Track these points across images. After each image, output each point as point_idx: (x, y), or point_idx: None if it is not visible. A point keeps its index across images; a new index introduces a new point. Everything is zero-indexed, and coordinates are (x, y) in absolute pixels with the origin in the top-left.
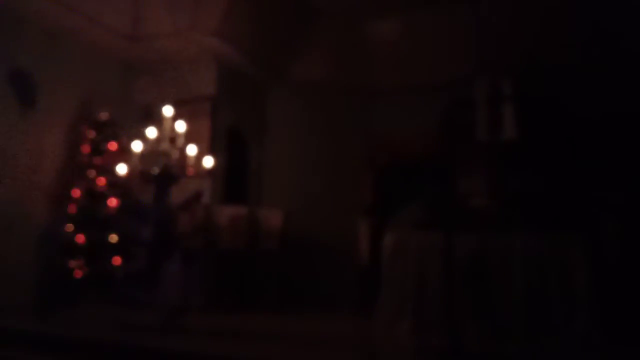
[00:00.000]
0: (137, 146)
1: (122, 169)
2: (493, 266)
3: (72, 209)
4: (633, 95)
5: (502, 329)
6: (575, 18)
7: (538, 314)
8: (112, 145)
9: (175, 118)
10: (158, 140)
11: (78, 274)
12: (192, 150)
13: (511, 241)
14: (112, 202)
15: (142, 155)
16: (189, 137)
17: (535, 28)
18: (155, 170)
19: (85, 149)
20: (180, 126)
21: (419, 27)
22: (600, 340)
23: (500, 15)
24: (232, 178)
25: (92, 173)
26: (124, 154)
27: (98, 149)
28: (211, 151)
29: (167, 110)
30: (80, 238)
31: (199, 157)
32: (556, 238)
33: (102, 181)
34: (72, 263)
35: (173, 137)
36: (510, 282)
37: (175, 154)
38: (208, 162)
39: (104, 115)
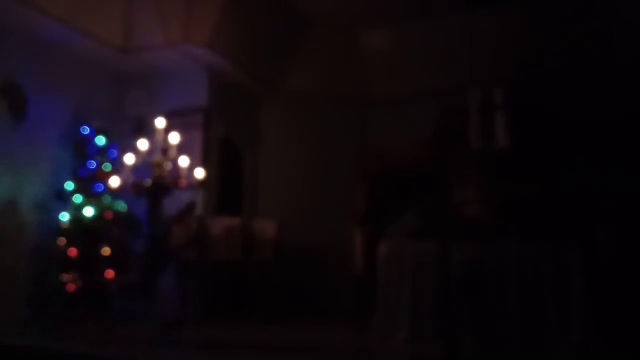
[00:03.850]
0: (129, 158)
1: (114, 181)
2: (488, 274)
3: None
4: (624, 102)
5: (498, 338)
6: (566, 27)
7: (534, 321)
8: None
9: (167, 130)
10: (150, 152)
11: (71, 287)
12: (184, 161)
13: (506, 249)
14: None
15: (135, 167)
16: (182, 149)
17: (526, 37)
18: (148, 182)
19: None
20: (173, 138)
21: (411, 37)
22: (597, 347)
23: (492, 25)
24: (226, 189)
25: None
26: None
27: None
28: (204, 162)
29: (160, 122)
30: (73, 251)
31: (191, 169)
32: (551, 245)
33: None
34: (65, 277)
35: (165, 148)
36: (505, 289)
37: (167, 166)
38: (200, 173)
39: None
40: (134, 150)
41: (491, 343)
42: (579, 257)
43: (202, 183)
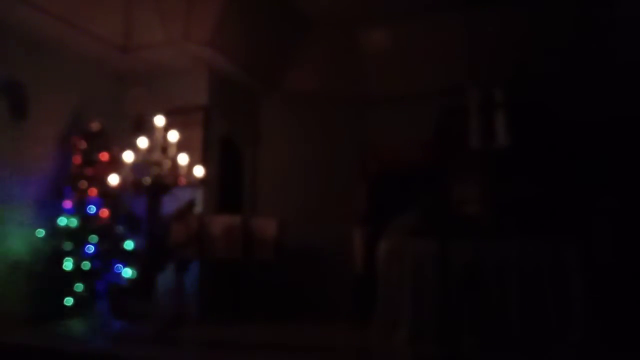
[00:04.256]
0: (128, 156)
1: (114, 179)
2: (488, 273)
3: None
4: (624, 101)
5: (498, 338)
6: (566, 27)
7: (534, 321)
8: (104, 156)
9: (167, 128)
10: (150, 150)
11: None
12: (183, 159)
13: (506, 248)
14: (104, 213)
15: (134, 165)
16: (182, 147)
17: (526, 36)
18: (147, 180)
19: (77, 159)
20: (172, 136)
21: (411, 37)
22: (597, 346)
23: (491, 24)
24: (226, 187)
25: (83, 184)
26: (115, 164)
27: (89, 159)
28: (204, 161)
29: (159, 120)
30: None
31: (190, 167)
32: (551, 244)
33: (93, 192)
34: (65, 275)
35: (165, 146)
36: (505, 289)
37: (167, 164)
38: (199, 171)
39: (95, 126)
40: (134, 148)
41: (491, 343)
42: (579, 256)
43: (201, 181)
